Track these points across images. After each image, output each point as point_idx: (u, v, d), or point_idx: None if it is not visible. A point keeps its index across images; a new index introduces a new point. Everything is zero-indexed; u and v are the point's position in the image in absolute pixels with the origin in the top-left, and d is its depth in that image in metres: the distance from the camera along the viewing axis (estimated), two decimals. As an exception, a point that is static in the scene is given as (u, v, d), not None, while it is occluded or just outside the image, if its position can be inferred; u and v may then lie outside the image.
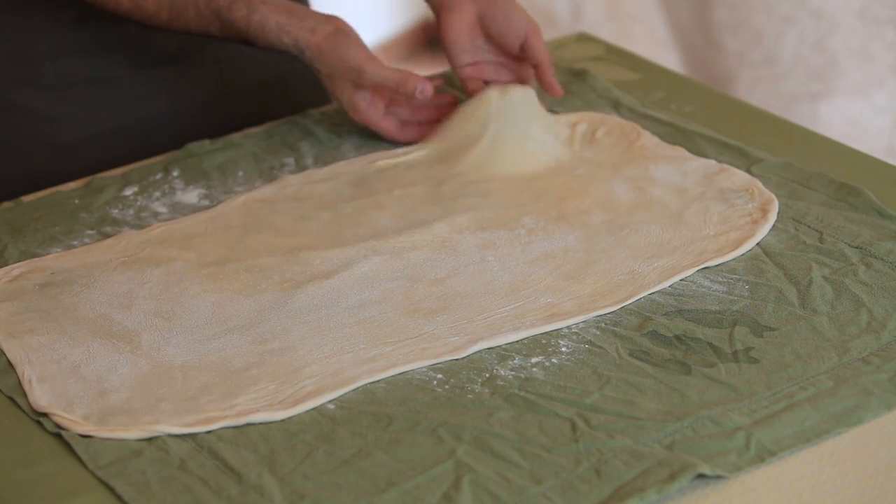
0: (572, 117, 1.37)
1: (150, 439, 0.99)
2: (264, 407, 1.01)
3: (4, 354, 1.08)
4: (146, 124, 1.45)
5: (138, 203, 1.29)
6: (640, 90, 1.45)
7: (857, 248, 1.16)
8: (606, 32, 2.53)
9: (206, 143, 1.37)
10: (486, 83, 1.39)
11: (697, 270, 1.15)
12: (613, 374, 1.03)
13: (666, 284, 1.13)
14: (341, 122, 1.40)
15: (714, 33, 2.63)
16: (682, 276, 1.14)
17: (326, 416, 1.01)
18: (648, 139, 1.33)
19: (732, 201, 1.23)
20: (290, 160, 1.35)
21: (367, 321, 1.10)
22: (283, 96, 1.51)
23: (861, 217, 1.20)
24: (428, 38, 3.29)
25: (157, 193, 1.31)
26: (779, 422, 0.98)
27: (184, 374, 1.05)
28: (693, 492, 0.94)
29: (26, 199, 1.30)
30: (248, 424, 1.00)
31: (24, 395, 1.04)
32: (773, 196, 1.23)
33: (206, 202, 1.29)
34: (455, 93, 1.43)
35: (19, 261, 1.20)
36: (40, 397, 1.03)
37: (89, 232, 1.25)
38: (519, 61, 1.40)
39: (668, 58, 2.67)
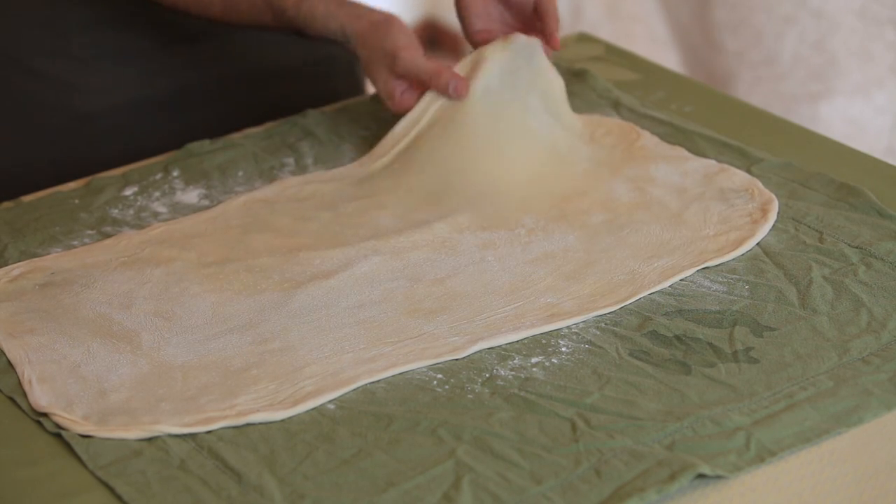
0: None
1: (150, 439, 0.99)
2: (264, 407, 1.01)
3: (4, 354, 1.08)
4: (169, 99, 1.47)
5: (138, 203, 1.29)
6: (640, 90, 1.45)
7: (857, 248, 1.16)
8: (606, 32, 2.53)
9: (206, 144, 1.37)
10: None
11: (697, 270, 1.15)
12: (613, 374, 1.03)
13: (666, 284, 1.13)
14: (341, 122, 1.40)
15: (714, 33, 2.63)
16: (682, 276, 1.14)
17: (326, 416, 1.01)
18: (648, 139, 1.33)
19: (732, 201, 1.23)
20: (290, 160, 1.35)
21: (367, 321, 1.10)
22: (313, 84, 1.51)
23: (861, 217, 1.20)
24: (429, 38, 3.29)
25: (157, 193, 1.31)
26: (779, 422, 0.98)
27: (184, 374, 1.05)
28: (693, 492, 0.94)
29: (26, 199, 1.30)
30: (248, 424, 1.00)
31: (24, 395, 1.04)
32: (773, 196, 1.23)
33: (206, 202, 1.29)
34: None
35: (19, 261, 1.20)
36: (40, 397, 1.03)
37: (89, 232, 1.25)
38: (531, 29, 1.38)
39: (668, 58, 2.67)
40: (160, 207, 1.29)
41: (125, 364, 1.06)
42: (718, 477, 0.94)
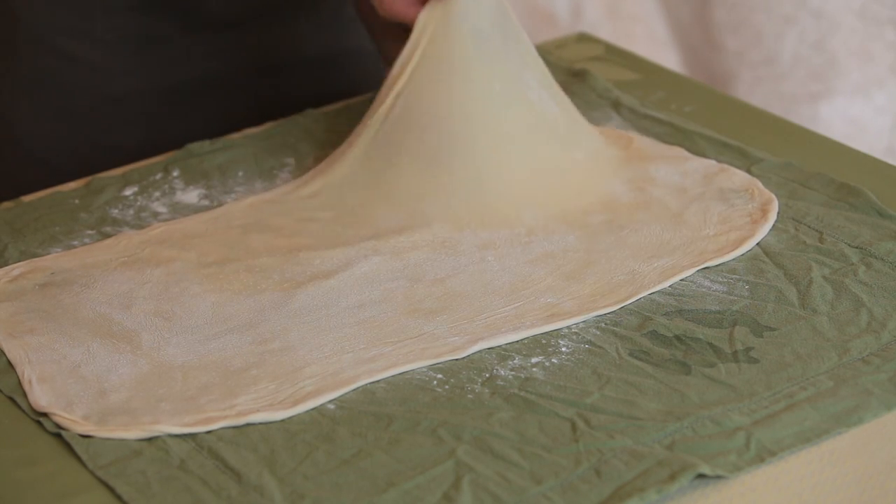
0: None
1: (150, 439, 0.99)
2: (264, 407, 1.01)
3: (4, 354, 1.08)
4: (191, 85, 1.47)
5: (138, 203, 1.29)
6: (640, 90, 1.45)
7: (857, 248, 1.16)
8: (606, 32, 2.53)
9: (205, 144, 1.37)
10: None
11: (697, 270, 1.15)
12: (613, 374, 1.03)
13: (666, 284, 1.13)
14: (341, 122, 1.40)
15: (714, 33, 2.63)
16: (682, 276, 1.14)
17: (326, 416, 1.01)
18: (640, 141, 1.32)
19: (732, 201, 1.23)
20: (290, 160, 1.35)
21: (367, 321, 1.10)
22: (335, 75, 1.51)
23: (861, 217, 1.20)
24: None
25: (157, 193, 1.31)
26: (779, 422, 0.98)
27: (184, 374, 1.05)
28: (693, 492, 0.94)
29: (26, 199, 1.30)
30: (248, 424, 1.00)
31: (24, 395, 1.04)
32: (773, 196, 1.23)
33: (206, 202, 1.29)
34: None
35: (19, 261, 1.20)
36: (40, 397, 1.03)
37: (89, 232, 1.25)
38: None
39: (668, 58, 2.67)
40: (160, 207, 1.29)
41: (125, 364, 1.06)
42: (718, 477, 0.94)
